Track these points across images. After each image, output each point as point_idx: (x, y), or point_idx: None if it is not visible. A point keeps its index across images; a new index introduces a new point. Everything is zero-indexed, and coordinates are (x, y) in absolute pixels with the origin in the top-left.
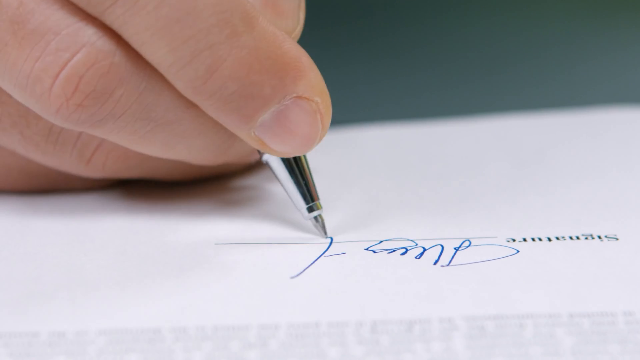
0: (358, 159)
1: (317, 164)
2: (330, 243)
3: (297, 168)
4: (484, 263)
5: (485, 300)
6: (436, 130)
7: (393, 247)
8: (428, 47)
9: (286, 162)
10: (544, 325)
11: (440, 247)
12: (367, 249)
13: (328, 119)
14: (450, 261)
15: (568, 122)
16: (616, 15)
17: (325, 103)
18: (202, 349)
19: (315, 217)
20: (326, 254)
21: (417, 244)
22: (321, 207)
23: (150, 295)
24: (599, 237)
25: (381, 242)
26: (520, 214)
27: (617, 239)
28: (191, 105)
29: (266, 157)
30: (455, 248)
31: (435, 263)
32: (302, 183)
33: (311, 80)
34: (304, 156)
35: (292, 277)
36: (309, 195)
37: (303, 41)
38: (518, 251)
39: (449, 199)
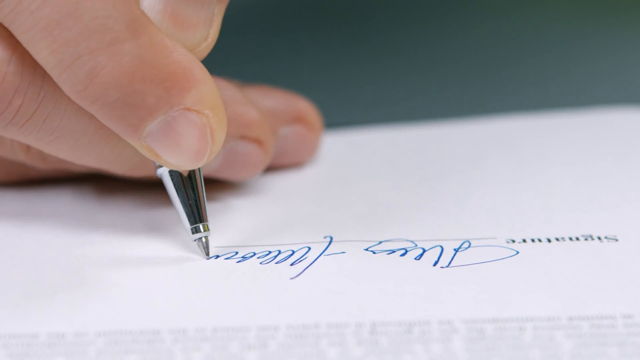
0: (358, 160)
1: (317, 163)
2: (330, 242)
3: (189, 185)
4: (483, 264)
5: (485, 303)
6: (436, 131)
7: (393, 247)
8: (428, 48)
9: (178, 178)
10: (544, 328)
11: (439, 248)
12: (366, 250)
13: (220, 133)
14: (449, 262)
15: (568, 123)
16: (617, 16)
17: (217, 117)
18: (202, 350)
19: (201, 238)
20: (325, 252)
21: (416, 245)
22: (208, 229)
23: (149, 296)
24: (599, 238)
25: (381, 242)
26: (520, 214)
27: (616, 240)
28: (93, 115)
29: (160, 171)
30: (454, 249)
31: (434, 264)
32: (191, 201)
33: (201, 93)
34: (199, 173)
35: (291, 278)
36: (196, 215)
37: (304, 42)
38: (518, 252)
39: (448, 200)
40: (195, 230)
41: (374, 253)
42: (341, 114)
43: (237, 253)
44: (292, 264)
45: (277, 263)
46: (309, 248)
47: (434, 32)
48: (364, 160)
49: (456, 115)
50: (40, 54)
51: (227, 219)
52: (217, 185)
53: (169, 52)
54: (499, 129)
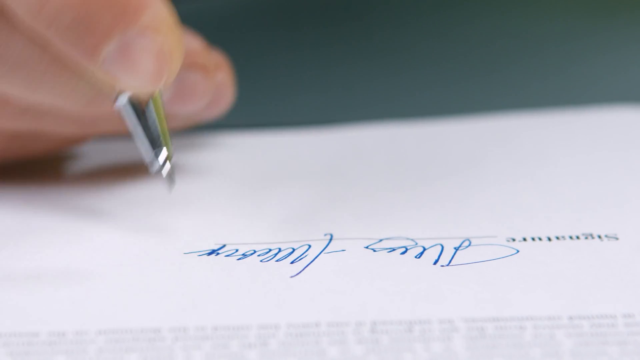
0: (358, 158)
1: (317, 162)
2: (330, 240)
3: (149, 114)
4: (484, 263)
5: (485, 302)
6: (436, 129)
7: (393, 246)
8: (428, 46)
9: (138, 108)
10: (544, 327)
11: (440, 247)
12: (367, 248)
13: (178, 54)
14: (450, 261)
15: (569, 121)
16: (618, 14)
17: (173, 37)
18: (202, 349)
19: (164, 165)
20: (326, 250)
21: (417, 243)
22: (172, 155)
23: (150, 295)
24: (599, 237)
25: (381, 240)
26: (520, 213)
27: (617, 239)
28: (48, 44)
29: (117, 105)
30: (455, 248)
31: (435, 263)
32: (152, 130)
33: (156, 14)
34: (159, 101)
35: (291, 276)
36: (158, 142)
37: (303, 41)
38: (518, 251)
39: (449, 198)
40: (156, 155)
41: (375, 251)
42: (341, 111)
43: (237, 250)
44: (292, 262)
45: (277, 261)
46: (310, 246)
47: (435, 29)
48: (364, 158)
49: (456, 112)
50: None
51: (227, 217)
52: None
53: None
54: (499, 127)
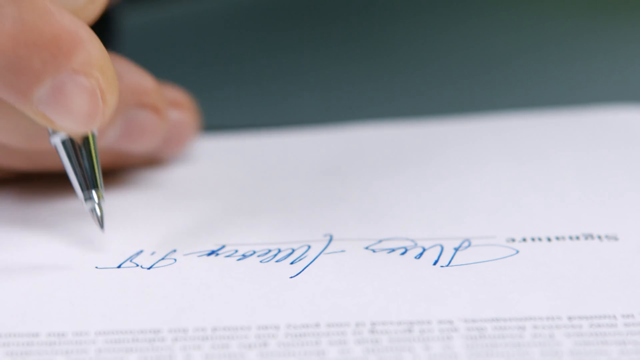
0: (358, 158)
1: (317, 162)
2: (330, 241)
3: (83, 154)
4: (483, 263)
5: (485, 302)
6: (435, 129)
7: (393, 246)
8: (429, 45)
9: (70, 147)
10: (544, 327)
11: (439, 247)
12: (366, 248)
13: (112, 95)
14: (449, 261)
15: (569, 121)
16: (618, 13)
17: (106, 78)
18: (202, 349)
19: (94, 208)
20: (325, 251)
21: (416, 244)
22: (102, 197)
23: (149, 296)
24: (599, 237)
25: (381, 241)
26: (520, 213)
27: (616, 239)
28: None
29: (53, 141)
30: (455, 248)
31: (434, 263)
32: (84, 169)
33: (88, 54)
34: (93, 141)
35: (291, 277)
36: (90, 182)
37: (303, 41)
38: (518, 251)
39: (448, 199)
40: (87, 198)
41: (374, 252)
42: (341, 111)
43: (237, 251)
44: (292, 263)
45: (277, 262)
46: (309, 246)
47: (435, 30)
48: (364, 158)
49: (456, 112)
50: None
51: (227, 217)
52: (216, 184)
53: (52, 15)
54: (499, 127)
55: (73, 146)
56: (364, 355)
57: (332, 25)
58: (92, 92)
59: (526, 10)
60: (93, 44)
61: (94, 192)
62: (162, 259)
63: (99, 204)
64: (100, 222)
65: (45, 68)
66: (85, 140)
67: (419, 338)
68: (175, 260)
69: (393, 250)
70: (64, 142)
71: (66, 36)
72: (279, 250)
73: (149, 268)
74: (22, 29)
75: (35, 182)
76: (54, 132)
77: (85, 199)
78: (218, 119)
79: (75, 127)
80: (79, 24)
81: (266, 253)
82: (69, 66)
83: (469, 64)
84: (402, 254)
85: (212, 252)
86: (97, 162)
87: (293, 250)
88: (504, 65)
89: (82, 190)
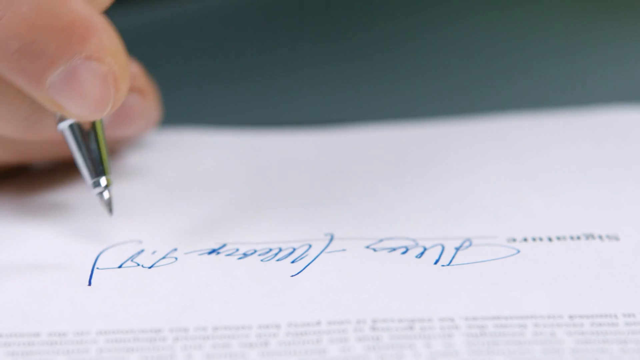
0: (358, 158)
1: (317, 162)
2: (331, 240)
3: (91, 139)
4: (484, 263)
5: (486, 301)
6: (437, 130)
7: (394, 246)
8: (428, 46)
9: (78, 132)
10: (545, 326)
11: (440, 247)
12: (367, 248)
13: (124, 81)
14: (450, 261)
15: (569, 122)
16: (619, 13)
17: (119, 65)
18: (203, 349)
19: (103, 192)
20: (326, 250)
21: (417, 243)
22: (110, 183)
23: (150, 295)
24: (600, 237)
25: (382, 240)
26: (521, 213)
27: (617, 239)
28: None
29: (61, 126)
30: (456, 248)
31: (435, 262)
32: (92, 155)
33: (102, 41)
34: (101, 127)
35: (292, 276)
36: (98, 168)
37: (303, 40)
38: (519, 251)
39: (449, 199)
40: (97, 185)
41: (375, 251)
42: (341, 111)
43: (238, 250)
44: (293, 262)
45: (278, 260)
46: (310, 245)
47: (435, 30)
48: (364, 158)
49: (457, 113)
50: None
51: (228, 216)
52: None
53: (67, 1)
54: (499, 127)
55: (81, 132)
56: (365, 353)
57: (332, 26)
58: (105, 79)
59: (526, 10)
60: (107, 31)
61: (102, 178)
62: (163, 257)
63: (107, 189)
64: (110, 208)
65: (60, 53)
66: (93, 126)
67: (420, 335)
68: (176, 258)
69: (394, 249)
70: (72, 128)
71: (81, 22)
72: (280, 249)
73: (150, 267)
74: (38, 13)
75: (31, 177)
76: (62, 118)
77: (94, 185)
78: (219, 118)
79: (85, 113)
80: (92, 11)
81: (267, 252)
82: (82, 52)
83: (468, 64)
84: (403, 253)
85: (213, 251)
86: (105, 148)
87: (294, 249)
88: (504, 65)
89: (91, 176)
